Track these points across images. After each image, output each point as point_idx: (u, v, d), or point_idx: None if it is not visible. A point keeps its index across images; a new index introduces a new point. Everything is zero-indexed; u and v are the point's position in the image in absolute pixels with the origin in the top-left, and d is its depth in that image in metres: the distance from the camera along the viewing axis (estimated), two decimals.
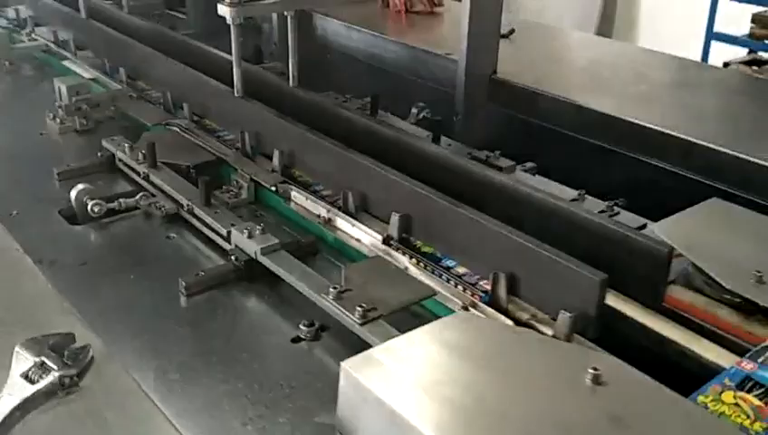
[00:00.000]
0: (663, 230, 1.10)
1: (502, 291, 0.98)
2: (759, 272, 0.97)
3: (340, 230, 1.18)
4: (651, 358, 0.92)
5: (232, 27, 1.33)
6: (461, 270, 1.05)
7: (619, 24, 4.97)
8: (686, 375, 0.89)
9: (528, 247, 0.97)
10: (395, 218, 1.11)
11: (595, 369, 0.79)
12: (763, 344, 0.88)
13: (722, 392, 0.81)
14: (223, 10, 1.31)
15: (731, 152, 1.33)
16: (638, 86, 1.68)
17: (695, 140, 1.38)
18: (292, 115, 1.37)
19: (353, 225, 1.16)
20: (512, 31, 2.05)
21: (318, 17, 2.16)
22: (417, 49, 1.91)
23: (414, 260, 1.07)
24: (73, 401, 0.84)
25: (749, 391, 0.81)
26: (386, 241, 1.11)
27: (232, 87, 1.41)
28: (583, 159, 1.54)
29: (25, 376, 0.83)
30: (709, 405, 0.79)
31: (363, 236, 1.15)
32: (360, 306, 0.94)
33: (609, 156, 1.51)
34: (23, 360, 0.85)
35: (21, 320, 0.94)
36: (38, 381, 0.83)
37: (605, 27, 4.92)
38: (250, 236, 1.10)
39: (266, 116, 1.38)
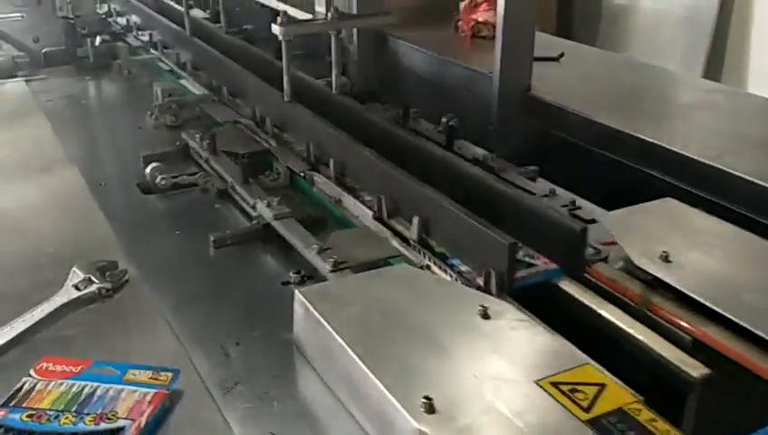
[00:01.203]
0: (609, 217, 1.29)
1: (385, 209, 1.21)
2: (665, 252, 1.14)
3: (345, 208, 1.44)
4: (568, 318, 1.11)
5: (283, 43, 1.62)
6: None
7: (728, 67, 4.93)
8: (590, 329, 1.08)
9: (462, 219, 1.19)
10: (381, 199, 1.36)
11: (483, 306, 1.01)
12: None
13: None
14: (275, 29, 1.61)
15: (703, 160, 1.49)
16: (652, 105, 1.85)
17: (680, 151, 1.54)
18: (329, 117, 1.64)
19: (355, 203, 1.42)
20: (561, 54, 2.24)
21: (391, 39, 2.43)
22: (468, 68, 2.14)
23: (384, 226, 1.32)
24: (107, 307, 1.14)
25: None
26: (374, 215, 1.36)
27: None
28: (592, 168, 1.72)
29: (75, 286, 1.14)
30: None
31: (360, 211, 1.40)
32: (333, 259, 1.20)
33: (613, 165, 1.68)
34: (76, 276, 1.16)
35: (85, 253, 1.26)
36: (83, 289, 1.13)
37: (713, 70, 4.89)
38: (268, 206, 1.38)
39: (304, 116, 1.66)
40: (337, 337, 0.96)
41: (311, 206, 1.52)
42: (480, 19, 2.49)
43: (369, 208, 1.38)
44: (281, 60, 1.65)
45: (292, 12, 1.71)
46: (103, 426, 0.86)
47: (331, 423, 0.94)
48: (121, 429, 0.85)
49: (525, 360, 0.92)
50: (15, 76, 2.29)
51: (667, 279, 1.10)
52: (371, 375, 0.88)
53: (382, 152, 1.45)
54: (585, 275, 1.18)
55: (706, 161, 1.49)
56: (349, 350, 0.93)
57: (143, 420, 0.87)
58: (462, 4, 2.54)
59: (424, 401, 0.82)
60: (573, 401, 0.84)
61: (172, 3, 2.53)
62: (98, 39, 2.44)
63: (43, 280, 1.18)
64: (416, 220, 1.26)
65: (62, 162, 1.67)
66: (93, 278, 1.15)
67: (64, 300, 1.11)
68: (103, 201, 1.49)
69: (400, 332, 0.97)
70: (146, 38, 2.56)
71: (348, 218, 1.43)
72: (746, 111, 1.83)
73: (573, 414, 0.82)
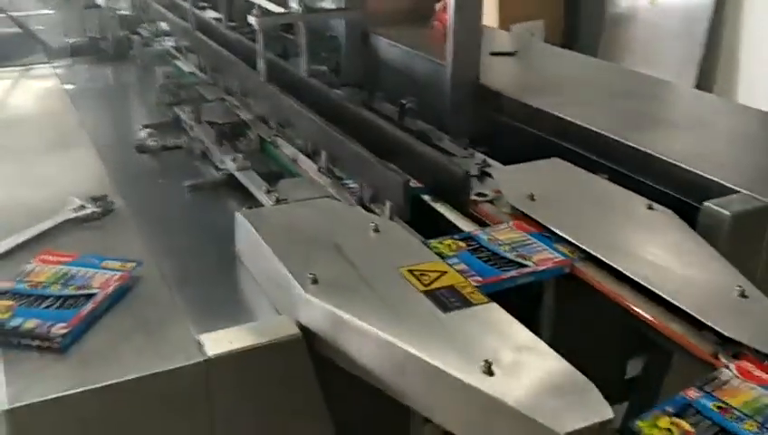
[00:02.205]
0: (499, 170, 1.60)
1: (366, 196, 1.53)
2: (532, 194, 1.45)
3: (299, 165, 1.76)
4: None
5: (258, 31, 1.95)
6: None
7: (720, 77, 5.13)
8: None
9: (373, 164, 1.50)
10: (324, 154, 1.68)
11: (376, 224, 1.32)
12: (710, 374, 0.99)
13: (660, 418, 0.91)
14: (251, 19, 1.94)
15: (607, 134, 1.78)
16: (582, 92, 2.14)
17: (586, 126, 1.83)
18: (296, 95, 1.97)
19: (305, 160, 1.74)
20: (516, 51, 2.55)
21: (373, 36, 2.75)
22: (432, 61, 2.45)
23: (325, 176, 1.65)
24: (96, 227, 1.47)
25: (687, 418, 0.92)
26: (318, 169, 1.68)
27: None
28: (525, 146, 2.01)
29: (72, 210, 1.47)
30: (644, 430, 0.90)
31: (309, 166, 1.72)
32: (276, 196, 1.52)
33: (543, 142, 1.97)
34: (73, 202, 1.49)
35: (86, 192, 1.59)
36: (78, 212, 1.47)
37: (705, 80, 5.10)
38: (233, 160, 1.71)
39: (275, 94, 1.98)
40: (262, 242, 1.28)
41: (274, 165, 1.84)
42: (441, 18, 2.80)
43: (315, 163, 1.70)
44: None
45: (268, 5, 2.02)
46: (81, 292, 1.18)
47: (252, 297, 1.26)
48: (94, 294, 1.18)
49: (395, 255, 1.23)
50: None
51: (527, 211, 1.41)
52: (281, 264, 1.20)
53: (330, 120, 1.77)
54: (471, 211, 1.49)
55: (606, 133, 1.78)
56: (266, 245, 1.25)
57: (110, 289, 1.19)
58: (437, 6, 2.86)
59: (310, 276, 1.14)
60: (419, 280, 1.15)
61: (184, 3, 2.88)
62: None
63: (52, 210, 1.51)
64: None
65: (77, 129, 2.01)
66: (86, 204, 1.49)
67: (63, 218, 1.44)
68: (105, 158, 1.83)
69: (309, 239, 1.28)
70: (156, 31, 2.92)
71: (300, 173, 1.75)
72: (660, 97, 2.12)
73: (415, 287, 1.13)
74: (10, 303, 1.16)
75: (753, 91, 4.80)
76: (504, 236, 1.36)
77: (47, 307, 1.14)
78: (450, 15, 2.16)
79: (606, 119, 1.86)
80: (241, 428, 1.11)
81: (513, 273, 1.25)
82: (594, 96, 2.10)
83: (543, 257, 1.29)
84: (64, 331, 1.08)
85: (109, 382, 1.01)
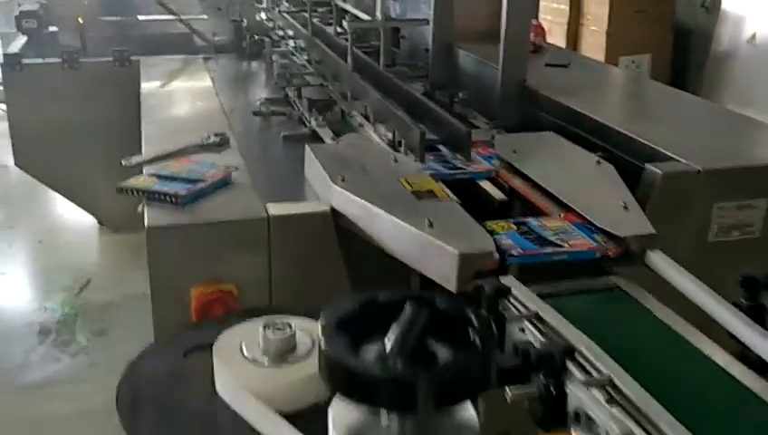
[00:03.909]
0: (498, 136, 2.16)
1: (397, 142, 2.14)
2: (516, 151, 2.00)
3: (364, 130, 2.39)
4: None
5: (348, 33, 2.60)
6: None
7: None
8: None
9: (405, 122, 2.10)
10: (376, 119, 2.30)
11: (395, 157, 1.92)
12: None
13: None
14: (345, 24, 2.59)
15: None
16: (604, 95, 2.65)
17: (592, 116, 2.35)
18: (374, 83, 2.60)
19: (368, 126, 2.37)
20: (568, 63, 3.08)
21: (455, 48, 3.35)
22: (493, 68, 3.02)
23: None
24: (215, 151, 2.14)
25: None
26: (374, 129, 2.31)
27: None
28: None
29: (202, 139, 2.16)
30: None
31: (367, 127, 2.35)
32: (337, 141, 2.16)
33: (559, 129, 2.50)
34: (204, 135, 2.18)
35: (212, 131, 2.27)
36: (206, 141, 2.15)
37: None
38: (315, 121, 2.37)
39: (356, 80, 2.62)
40: (315, 160, 1.91)
41: (348, 129, 2.48)
42: None
43: (373, 127, 2.33)
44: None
45: (358, 14, 2.67)
46: (197, 177, 1.85)
47: (307, 193, 1.89)
48: (205, 180, 1.84)
49: (401, 173, 1.83)
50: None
51: (507, 158, 1.97)
52: (323, 170, 1.82)
53: (391, 98, 2.39)
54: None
55: (600, 120, 2.29)
56: (317, 161, 1.88)
57: (216, 178, 1.85)
58: None
59: (340, 177, 1.76)
60: (411, 186, 1.74)
61: (305, 14, 3.59)
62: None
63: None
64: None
65: (213, 98, 2.74)
66: (211, 137, 2.17)
67: (196, 142, 2.14)
68: (230, 116, 2.53)
69: (347, 160, 1.90)
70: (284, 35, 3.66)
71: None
72: (659, 98, 2.61)
73: (407, 189, 1.73)
74: (155, 179, 1.84)
75: None
76: (552, 224, 1.61)
77: (177, 182, 1.82)
78: (503, 26, 2.74)
79: (607, 112, 2.38)
80: (286, 267, 1.74)
81: (548, 250, 1.50)
82: (609, 97, 2.61)
83: (579, 242, 1.54)
84: (185, 193, 1.75)
85: (208, 221, 1.67)
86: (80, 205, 3.84)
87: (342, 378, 0.56)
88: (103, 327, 3.61)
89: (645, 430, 1.02)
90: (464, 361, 0.55)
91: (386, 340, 0.56)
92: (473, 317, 0.59)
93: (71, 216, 4.52)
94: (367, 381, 0.54)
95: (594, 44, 6.29)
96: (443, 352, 0.56)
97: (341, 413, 0.59)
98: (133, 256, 4.07)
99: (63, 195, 3.71)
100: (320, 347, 0.57)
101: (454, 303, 0.61)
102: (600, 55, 6.11)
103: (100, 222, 4.24)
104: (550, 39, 6.38)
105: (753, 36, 5.60)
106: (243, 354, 1.11)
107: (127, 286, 3.77)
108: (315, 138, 2.35)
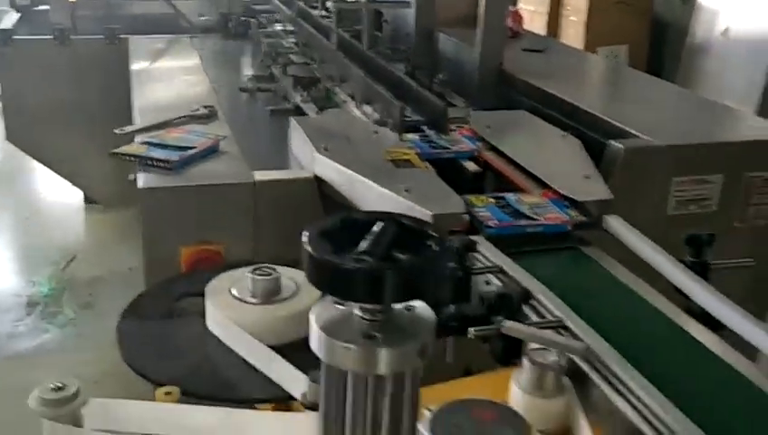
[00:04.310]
0: (473, 114, 2.28)
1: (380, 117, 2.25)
2: (490, 126, 2.12)
3: (347, 105, 2.51)
4: None
5: (334, 12, 2.71)
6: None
7: None
8: None
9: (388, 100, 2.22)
10: (361, 97, 2.42)
11: (376, 130, 2.04)
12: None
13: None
14: (329, 4, 2.70)
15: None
16: (576, 78, 2.78)
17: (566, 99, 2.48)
18: (358, 63, 2.71)
19: (350, 102, 2.48)
20: (544, 49, 3.21)
21: (436, 33, 3.47)
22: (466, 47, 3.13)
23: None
24: (204, 122, 2.25)
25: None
26: (356, 105, 2.42)
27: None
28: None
29: (191, 110, 2.27)
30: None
31: (350, 104, 2.46)
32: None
33: (534, 109, 2.62)
34: (194, 107, 2.29)
35: (201, 103, 2.38)
36: (194, 112, 2.26)
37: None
38: (304, 101, 2.48)
39: (340, 59, 2.74)
40: (301, 130, 2.02)
41: (332, 105, 2.59)
42: None
43: (356, 103, 2.45)
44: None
45: None
46: (188, 144, 1.96)
47: (292, 163, 2.01)
48: (195, 147, 1.95)
49: (381, 144, 1.94)
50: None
51: (481, 133, 2.09)
52: (308, 139, 1.93)
53: (374, 77, 2.51)
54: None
55: (573, 102, 2.42)
56: (302, 132, 1.99)
57: (205, 146, 1.96)
58: None
59: (323, 146, 1.87)
60: (390, 155, 1.86)
61: None
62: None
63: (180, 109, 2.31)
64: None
65: (202, 75, 2.84)
66: (200, 108, 2.28)
67: (185, 114, 2.24)
68: (218, 92, 2.64)
69: (331, 132, 2.01)
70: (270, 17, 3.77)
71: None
72: (630, 84, 2.74)
73: (386, 158, 1.84)
74: (147, 146, 1.95)
75: None
76: (530, 199, 1.70)
77: (168, 149, 1.93)
78: (481, 12, 2.85)
79: (577, 94, 2.50)
80: (271, 230, 1.85)
81: (523, 222, 1.60)
82: (580, 81, 2.74)
83: (553, 216, 1.62)
84: (177, 158, 1.86)
85: (197, 184, 1.78)
86: (70, 180, 3.92)
87: (324, 275, 0.68)
88: (90, 301, 3.70)
89: (594, 367, 1.15)
90: (423, 261, 0.67)
91: (360, 246, 0.68)
92: (432, 232, 0.71)
93: (57, 193, 4.61)
94: (345, 276, 0.66)
95: (573, 35, 6.43)
96: (407, 258, 0.68)
97: (321, 312, 0.71)
98: (119, 233, 4.19)
99: (54, 170, 3.79)
100: (304, 251, 0.68)
101: (418, 221, 0.73)
102: (578, 45, 6.23)
103: (87, 199, 4.32)
104: (531, 29, 6.51)
105: (727, 30, 5.75)
106: (232, 295, 1.22)
107: (113, 262, 3.88)
108: (300, 113, 2.46)
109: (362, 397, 0.71)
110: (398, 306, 0.71)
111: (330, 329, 0.69)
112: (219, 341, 1.19)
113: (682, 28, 6.22)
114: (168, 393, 1.04)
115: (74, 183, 3.95)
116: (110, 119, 2.46)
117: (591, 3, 6.15)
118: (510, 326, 1.02)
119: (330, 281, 0.67)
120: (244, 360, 1.15)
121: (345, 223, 0.72)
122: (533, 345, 1.10)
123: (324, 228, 0.70)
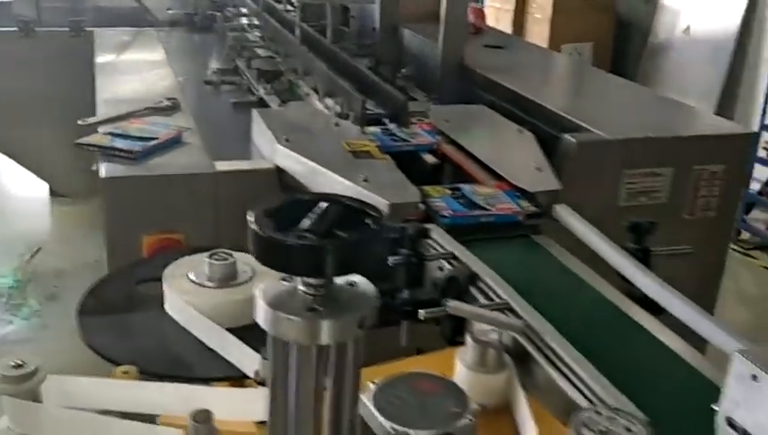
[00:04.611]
0: (432, 108, 2.33)
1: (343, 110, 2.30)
2: (448, 120, 2.18)
3: (309, 98, 2.55)
4: None
5: (298, 8, 2.75)
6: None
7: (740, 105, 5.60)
8: None
9: (349, 93, 2.26)
10: (324, 90, 2.46)
11: (336, 122, 2.08)
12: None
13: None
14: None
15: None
16: (535, 74, 2.85)
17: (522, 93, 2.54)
18: (322, 57, 2.75)
19: (313, 96, 2.53)
20: (505, 45, 3.27)
21: (401, 28, 3.52)
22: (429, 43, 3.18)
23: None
24: (167, 114, 2.28)
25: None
26: (318, 98, 2.46)
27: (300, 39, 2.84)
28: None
29: (155, 102, 2.29)
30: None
31: (313, 97, 2.51)
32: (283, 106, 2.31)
33: (493, 104, 2.69)
34: (157, 99, 2.31)
35: (165, 96, 2.40)
36: (156, 106, 2.29)
37: (727, 104, 5.60)
38: (267, 94, 2.51)
39: (304, 53, 2.78)
40: (262, 122, 2.06)
41: (295, 99, 2.63)
42: None
43: (318, 96, 2.49)
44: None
45: None
46: (151, 135, 1.99)
47: (254, 154, 2.04)
48: (158, 138, 1.98)
49: (342, 135, 1.99)
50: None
51: (439, 126, 2.14)
52: (269, 131, 1.97)
53: (337, 72, 2.55)
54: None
55: (529, 96, 2.48)
56: (264, 123, 2.03)
57: (168, 137, 1.99)
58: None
59: (284, 137, 1.91)
60: (350, 147, 1.90)
61: None
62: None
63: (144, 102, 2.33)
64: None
65: (165, 67, 2.86)
66: (163, 101, 2.31)
67: (149, 105, 2.27)
68: (183, 85, 2.66)
69: (292, 124, 2.06)
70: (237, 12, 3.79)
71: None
72: (584, 79, 2.82)
73: (345, 150, 1.89)
74: (110, 137, 1.98)
75: None
76: (484, 191, 1.77)
77: (131, 140, 1.96)
78: (443, 8, 2.91)
79: (534, 89, 2.57)
80: (232, 219, 1.88)
81: (476, 212, 1.67)
82: (538, 76, 2.81)
83: (504, 206, 1.70)
84: (140, 149, 1.89)
85: (159, 174, 1.82)
86: (35, 172, 3.92)
87: (267, 251, 0.72)
88: (55, 292, 3.70)
89: (536, 345, 1.21)
90: (360, 238, 0.72)
91: (302, 224, 0.73)
92: (372, 213, 0.76)
93: (23, 186, 4.59)
94: (286, 252, 0.71)
95: (539, 32, 6.52)
96: (345, 235, 0.73)
97: (267, 288, 0.76)
98: (85, 226, 4.18)
99: (18, 162, 3.78)
100: (250, 229, 0.73)
101: (361, 203, 0.78)
102: (543, 43, 6.32)
103: (53, 191, 4.31)
104: (497, 26, 6.60)
105: (688, 29, 5.88)
106: (190, 280, 1.26)
107: (78, 254, 3.87)
108: (263, 105, 2.50)
109: (305, 367, 0.75)
110: (340, 282, 0.76)
111: (274, 303, 0.74)
112: (177, 324, 1.23)
113: (645, 27, 6.34)
114: (125, 372, 1.08)
115: (40, 175, 3.95)
116: (75, 111, 2.47)
117: (556, 1, 6.24)
118: (454, 306, 1.07)
119: (272, 257, 0.72)
120: (201, 341, 1.19)
121: (291, 204, 0.77)
122: (478, 325, 1.16)
123: (269, 208, 0.75)
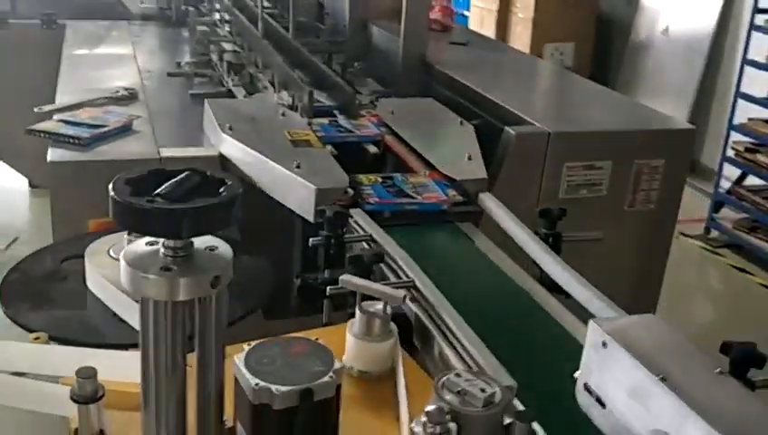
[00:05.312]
0: (381, 101, 2.40)
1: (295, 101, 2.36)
2: (394, 111, 2.24)
3: (267, 90, 2.62)
4: None
5: (259, 2, 2.82)
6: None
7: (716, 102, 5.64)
8: None
9: (300, 85, 2.33)
10: (279, 82, 2.53)
11: (284, 111, 2.15)
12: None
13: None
14: None
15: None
16: (490, 70, 2.91)
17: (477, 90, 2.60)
18: (283, 50, 2.82)
19: (269, 87, 2.59)
20: (468, 42, 3.34)
21: (369, 24, 3.58)
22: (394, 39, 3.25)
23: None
24: (124, 103, 2.34)
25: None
26: (275, 90, 2.53)
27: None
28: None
29: (112, 92, 2.36)
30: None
31: (270, 89, 2.57)
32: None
33: (452, 101, 2.75)
34: (115, 89, 2.38)
35: (123, 86, 2.47)
36: (114, 93, 2.35)
37: (703, 103, 5.66)
38: (235, 86, 2.58)
39: (264, 45, 2.84)
40: (211, 113, 2.12)
41: (255, 91, 2.69)
42: (431, 17, 3.61)
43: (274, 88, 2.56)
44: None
45: None
46: (101, 123, 2.05)
47: (203, 141, 2.11)
48: (108, 125, 2.05)
49: (286, 125, 2.06)
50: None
51: (384, 119, 2.21)
52: (215, 120, 2.04)
53: (294, 64, 2.62)
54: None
55: (478, 90, 2.55)
56: (212, 113, 2.09)
57: (118, 125, 2.06)
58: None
59: (228, 126, 1.98)
60: (291, 136, 1.97)
61: None
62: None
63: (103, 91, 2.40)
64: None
65: (131, 60, 2.93)
66: (120, 91, 2.37)
67: (106, 95, 2.33)
68: (145, 76, 2.73)
69: (240, 114, 2.12)
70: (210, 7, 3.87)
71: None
72: (536, 75, 2.88)
73: (286, 139, 1.95)
74: (62, 124, 2.04)
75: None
76: (415, 180, 1.83)
77: (81, 127, 2.03)
78: (404, 5, 2.97)
79: (485, 84, 2.63)
80: None
81: (402, 200, 1.74)
82: (492, 71, 2.88)
83: (432, 195, 1.76)
84: (88, 136, 1.96)
85: (104, 159, 1.88)
86: (10, 165, 3.98)
87: (123, 214, 0.79)
88: None
89: (436, 324, 1.27)
90: (210, 203, 0.79)
91: (157, 190, 0.80)
92: (228, 182, 0.83)
93: (1, 177, 4.65)
94: (139, 215, 0.78)
95: (521, 32, 6.59)
96: (195, 199, 0.80)
97: (130, 250, 0.82)
98: None
99: None
100: (110, 196, 0.80)
101: (224, 175, 0.85)
102: (526, 42, 6.40)
103: (31, 183, 4.38)
104: (481, 26, 6.67)
105: (667, 28, 5.94)
106: (110, 256, 1.33)
107: None
108: (231, 97, 2.57)
109: (163, 322, 0.82)
110: (199, 246, 0.83)
111: (134, 263, 0.81)
112: (96, 297, 1.30)
113: (626, 26, 6.41)
114: (36, 338, 1.14)
115: (15, 168, 4.01)
116: (49, 104, 2.55)
117: (538, 1, 6.30)
118: (345, 279, 1.14)
119: (128, 219, 0.79)
120: (116, 314, 1.26)
121: (155, 175, 0.83)
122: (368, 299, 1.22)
123: (131, 178, 0.82)
